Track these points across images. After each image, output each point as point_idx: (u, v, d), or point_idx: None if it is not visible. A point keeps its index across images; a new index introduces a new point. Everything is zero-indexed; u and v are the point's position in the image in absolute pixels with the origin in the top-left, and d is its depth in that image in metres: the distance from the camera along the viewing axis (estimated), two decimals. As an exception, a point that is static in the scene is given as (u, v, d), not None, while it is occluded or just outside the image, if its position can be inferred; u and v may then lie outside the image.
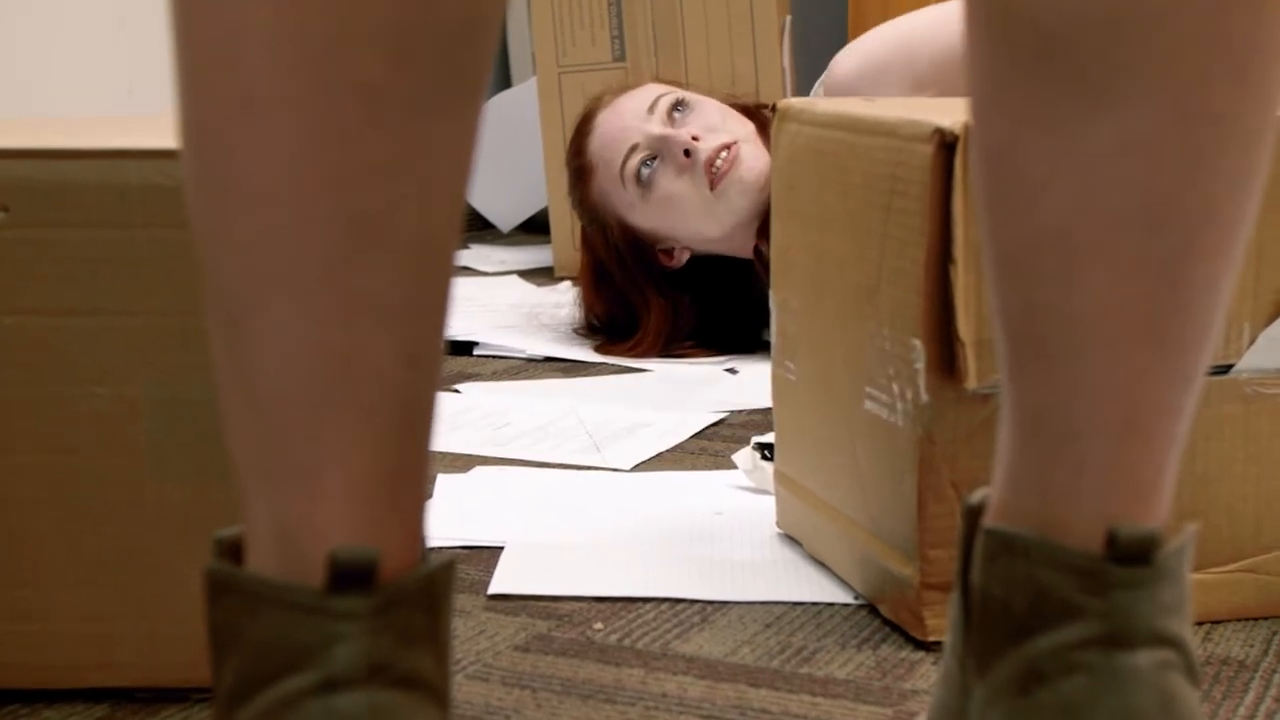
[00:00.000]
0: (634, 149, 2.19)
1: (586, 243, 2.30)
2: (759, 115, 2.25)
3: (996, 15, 0.69)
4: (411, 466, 0.68)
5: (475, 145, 0.67)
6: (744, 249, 2.19)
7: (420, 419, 0.68)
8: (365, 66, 0.63)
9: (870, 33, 2.20)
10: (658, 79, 2.39)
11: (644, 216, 2.20)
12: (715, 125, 2.19)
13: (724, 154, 2.14)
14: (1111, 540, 0.69)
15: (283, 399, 0.65)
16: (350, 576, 0.65)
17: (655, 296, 2.22)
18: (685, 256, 2.23)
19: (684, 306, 2.22)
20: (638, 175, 2.17)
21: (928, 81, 2.10)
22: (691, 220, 2.18)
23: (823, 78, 2.21)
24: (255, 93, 0.63)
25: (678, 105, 2.21)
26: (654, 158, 2.17)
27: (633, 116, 2.21)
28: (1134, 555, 0.69)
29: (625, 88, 2.30)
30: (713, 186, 2.14)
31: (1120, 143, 0.67)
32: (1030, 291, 0.70)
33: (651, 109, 2.21)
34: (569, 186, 2.31)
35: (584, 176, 2.25)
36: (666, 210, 2.18)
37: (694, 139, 2.15)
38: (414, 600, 0.67)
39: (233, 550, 0.69)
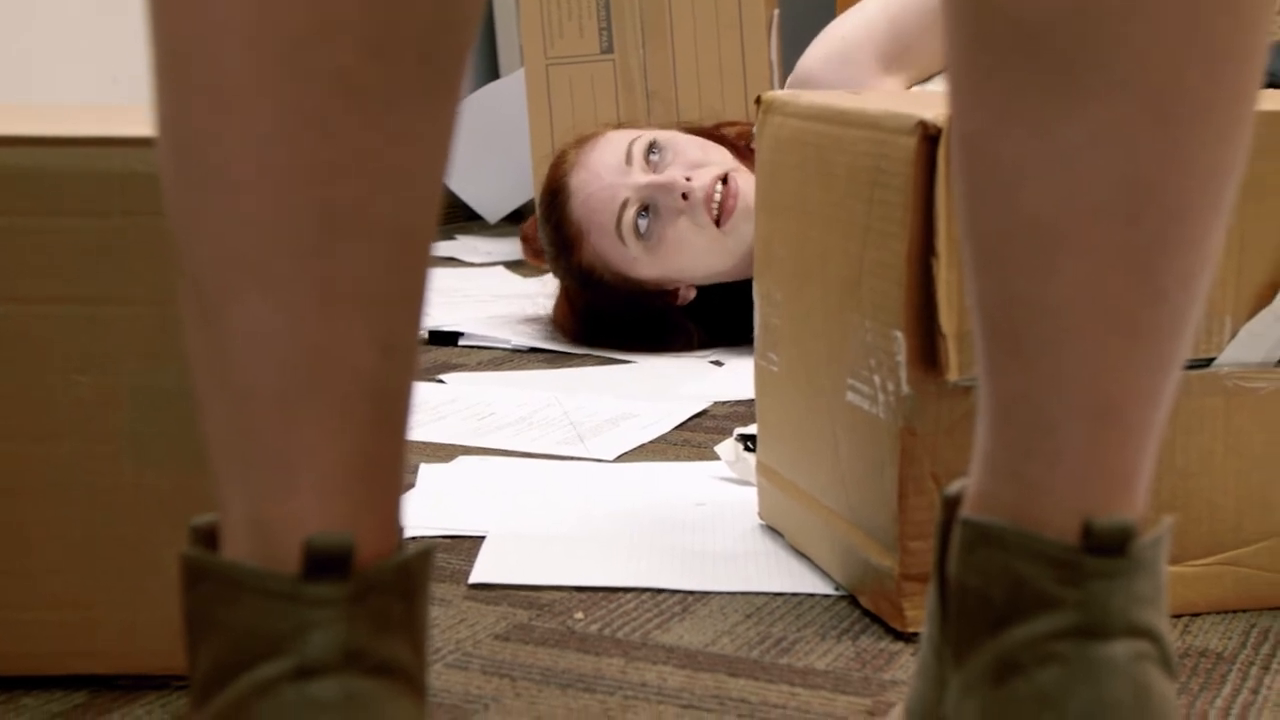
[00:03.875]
0: (625, 204, 2.12)
1: (575, 300, 2.23)
2: (723, 138, 2.23)
3: (974, 7, 0.69)
4: (388, 455, 0.68)
5: (452, 137, 0.67)
6: (749, 271, 2.14)
7: (396, 408, 0.68)
8: (340, 57, 0.63)
9: (833, 22, 2.18)
10: (646, 115, 2.32)
11: (649, 267, 2.15)
12: (699, 160, 2.14)
13: (719, 188, 2.11)
14: (1087, 531, 0.70)
15: (257, 388, 0.65)
16: (325, 563, 0.65)
17: (668, 329, 2.20)
18: (692, 294, 2.19)
19: (695, 331, 2.20)
20: (636, 229, 2.12)
21: (896, 59, 2.08)
22: (702, 259, 2.14)
23: (790, 78, 2.20)
24: (231, 80, 0.63)
25: (652, 148, 2.15)
26: (647, 208, 2.12)
27: (611, 172, 2.14)
28: (1109, 546, 0.69)
29: (582, 140, 2.23)
30: (719, 223, 2.11)
31: (1096, 134, 0.67)
32: (1007, 282, 0.71)
33: (628, 159, 2.14)
34: (551, 255, 2.22)
35: (573, 244, 2.17)
36: (674, 256, 2.13)
37: (686, 180, 2.10)
38: (390, 587, 0.67)
39: (208, 537, 0.69)
